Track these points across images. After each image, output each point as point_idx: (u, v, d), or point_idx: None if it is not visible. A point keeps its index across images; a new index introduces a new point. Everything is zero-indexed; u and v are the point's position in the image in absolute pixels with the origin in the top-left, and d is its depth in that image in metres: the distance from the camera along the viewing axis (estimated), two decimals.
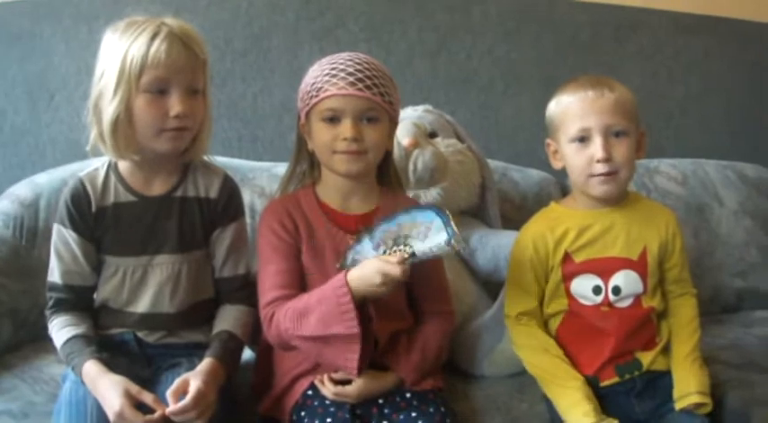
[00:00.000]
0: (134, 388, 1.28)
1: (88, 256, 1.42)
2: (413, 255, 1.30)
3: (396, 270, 1.27)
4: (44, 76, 2.06)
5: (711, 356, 1.66)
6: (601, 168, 1.44)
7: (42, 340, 1.60)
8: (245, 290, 1.49)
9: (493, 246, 1.76)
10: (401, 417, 1.36)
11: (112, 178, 1.44)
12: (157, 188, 1.45)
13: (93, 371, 1.31)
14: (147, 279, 1.43)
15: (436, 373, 1.49)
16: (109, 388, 1.28)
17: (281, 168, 1.92)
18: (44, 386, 1.52)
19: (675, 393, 1.46)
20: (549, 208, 1.59)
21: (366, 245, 1.35)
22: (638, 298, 1.50)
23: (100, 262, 1.44)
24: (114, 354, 1.38)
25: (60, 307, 1.42)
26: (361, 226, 1.41)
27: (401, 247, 1.31)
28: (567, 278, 1.50)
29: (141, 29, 1.33)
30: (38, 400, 1.46)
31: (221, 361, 1.37)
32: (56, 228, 1.43)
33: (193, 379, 1.30)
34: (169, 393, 1.28)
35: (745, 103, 2.69)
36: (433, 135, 1.88)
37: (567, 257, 1.49)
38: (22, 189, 1.82)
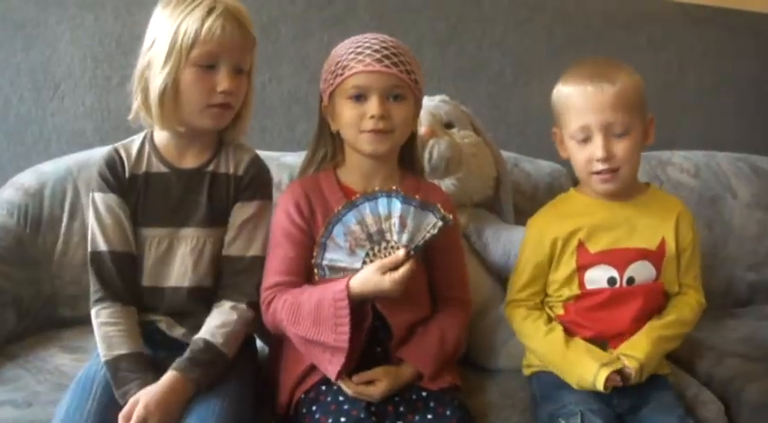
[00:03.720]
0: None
1: (129, 220, 1.40)
2: (413, 248, 1.28)
3: (410, 266, 1.26)
4: (49, 64, 2.04)
5: (728, 350, 1.65)
6: (601, 167, 1.40)
7: (46, 330, 1.59)
8: (246, 278, 1.42)
9: (504, 241, 1.74)
10: (417, 418, 1.32)
11: (147, 148, 1.44)
12: (190, 161, 1.44)
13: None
14: (173, 251, 1.41)
15: (453, 368, 1.45)
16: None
17: (290, 158, 1.92)
18: (48, 376, 1.50)
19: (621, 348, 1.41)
20: (567, 194, 1.57)
21: (335, 251, 1.31)
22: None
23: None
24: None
25: (107, 292, 1.37)
26: None
27: (383, 246, 1.30)
28: (582, 269, 1.46)
29: (196, 3, 1.33)
30: (41, 389, 1.44)
31: (185, 373, 1.29)
32: (94, 197, 1.40)
33: (141, 401, 1.23)
34: (120, 417, 1.23)
35: (758, 95, 2.67)
36: (449, 125, 1.85)
37: (581, 247, 1.46)
38: (27, 178, 1.81)
